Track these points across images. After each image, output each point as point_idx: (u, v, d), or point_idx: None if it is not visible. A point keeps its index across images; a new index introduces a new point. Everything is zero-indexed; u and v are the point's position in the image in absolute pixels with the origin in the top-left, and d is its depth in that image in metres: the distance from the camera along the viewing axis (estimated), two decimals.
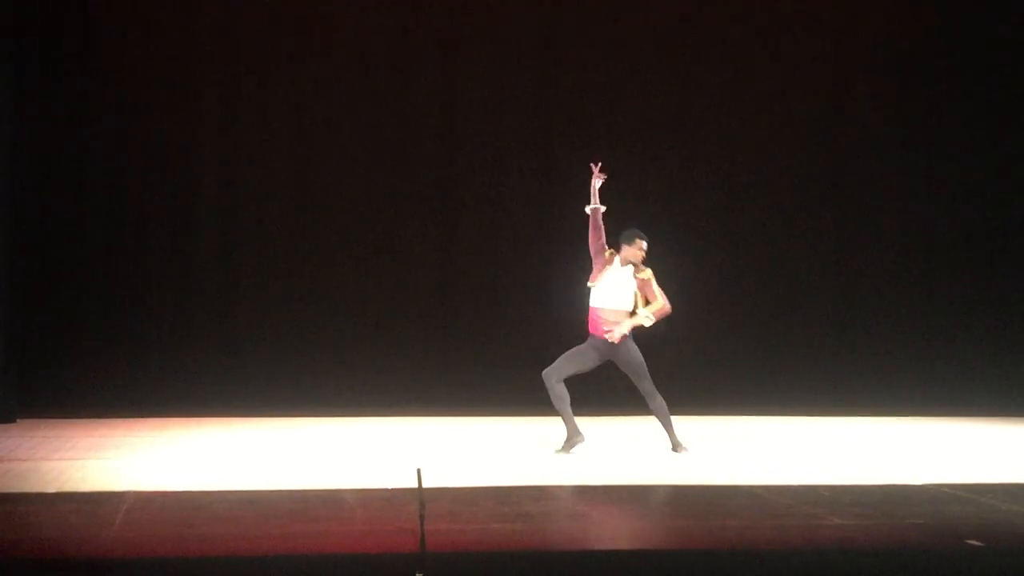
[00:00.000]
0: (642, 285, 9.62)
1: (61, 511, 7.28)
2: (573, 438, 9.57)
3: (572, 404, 9.57)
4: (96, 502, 7.55)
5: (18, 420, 11.23)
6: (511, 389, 12.33)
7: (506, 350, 12.79)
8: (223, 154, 12.63)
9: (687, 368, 12.83)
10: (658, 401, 9.68)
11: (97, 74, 12.32)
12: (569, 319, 12.84)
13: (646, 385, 9.66)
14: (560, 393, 9.57)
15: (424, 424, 11.61)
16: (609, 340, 9.52)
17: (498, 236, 12.99)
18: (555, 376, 9.60)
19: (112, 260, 12.40)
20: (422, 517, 5.97)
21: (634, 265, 9.62)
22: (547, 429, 11.28)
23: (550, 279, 12.76)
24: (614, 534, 6.79)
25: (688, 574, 6.26)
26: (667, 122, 13.20)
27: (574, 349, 9.69)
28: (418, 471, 6.13)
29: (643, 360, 9.64)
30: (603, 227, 9.57)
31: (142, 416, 11.69)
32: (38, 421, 11.30)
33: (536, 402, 12.14)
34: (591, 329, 9.66)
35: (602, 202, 9.51)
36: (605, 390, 11.27)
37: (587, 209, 9.55)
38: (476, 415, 12.02)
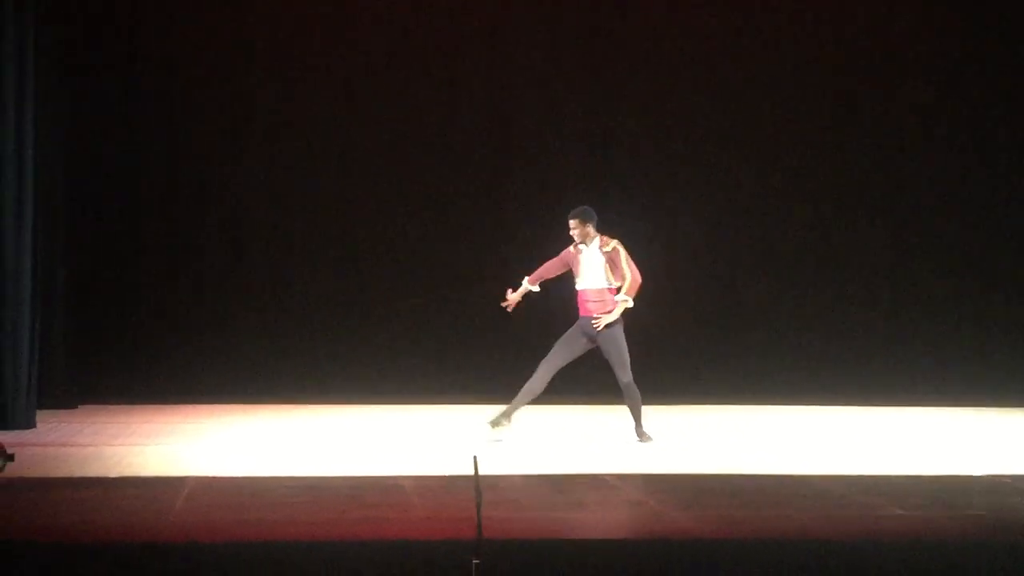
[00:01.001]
0: (608, 259, 9.58)
1: (122, 496, 7.36)
2: (502, 420, 9.57)
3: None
4: (156, 487, 7.64)
5: (80, 406, 11.37)
6: (567, 378, 12.34)
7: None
8: (272, 146, 12.70)
9: (734, 358, 12.79)
10: (632, 392, 9.63)
11: (148, 70, 12.44)
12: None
13: (622, 374, 9.60)
14: (537, 388, 9.57)
15: (480, 411, 11.62)
16: (595, 327, 9.51)
17: (546, 225, 12.97)
18: (547, 368, 9.61)
19: (170, 249, 12.52)
20: (479, 504, 5.98)
21: (600, 240, 9.58)
22: (602, 417, 11.29)
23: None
24: (670, 523, 6.77)
25: (745, 564, 6.24)
26: (709, 117, 13.15)
27: (566, 334, 9.71)
28: (475, 458, 6.12)
29: (625, 348, 9.58)
30: (542, 275, 9.74)
31: (200, 402, 11.80)
32: (99, 407, 11.44)
33: (592, 391, 12.21)
34: (580, 312, 9.69)
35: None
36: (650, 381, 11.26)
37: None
38: (532, 403, 12.00)
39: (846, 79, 13.30)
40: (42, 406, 10.43)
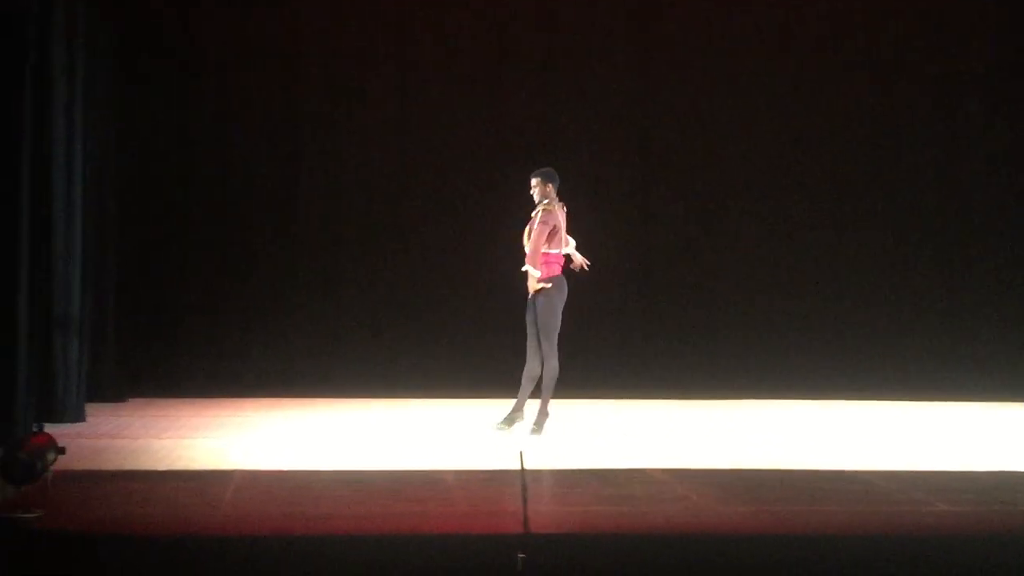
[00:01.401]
0: (530, 224, 9.46)
1: (171, 489, 7.42)
2: (515, 417, 9.49)
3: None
4: (205, 480, 7.69)
5: (128, 400, 11.46)
6: (606, 372, 12.41)
7: (604, 335, 12.79)
8: (325, 141, 12.75)
9: (780, 353, 12.74)
10: (535, 369, 9.39)
11: (200, 64, 12.52)
12: (660, 309, 12.91)
13: (533, 346, 9.36)
14: (536, 370, 9.41)
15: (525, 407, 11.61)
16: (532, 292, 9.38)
17: (596, 218, 12.98)
18: (532, 348, 9.41)
19: (218, 244, 12.61)
20: (525, 498, 5.98)
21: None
22: (646, 412, 11.26)
23: (650, 268, 12.84)
24: (717, 519, 6.74)
25: (792, 560, 6.20)
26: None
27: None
28: (520, 452, 6.13)
29: (551, 323, 9.34)
30: (535, 251, 9.38)
31: (247, 396, 11.87)
32: (147, 400, 11.53)
33: (635, 384, 12.21)
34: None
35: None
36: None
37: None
38: (577, 397, 11.99)
39: (843, 78, 13.17)
40: (91, 400, 10.53)
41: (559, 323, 9.43)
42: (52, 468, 6.89)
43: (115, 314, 11.37)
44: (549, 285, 9.36)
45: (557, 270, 9.50)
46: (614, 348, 12.81)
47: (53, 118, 9.68)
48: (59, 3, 9.66)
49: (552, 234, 9.42)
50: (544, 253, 9.42)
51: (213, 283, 12.56)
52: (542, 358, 9.39)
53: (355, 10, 12.82)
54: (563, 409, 11.36)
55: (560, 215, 9.49)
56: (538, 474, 7.37)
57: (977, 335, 13.14)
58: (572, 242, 9.59)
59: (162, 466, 8.20)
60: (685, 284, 13.08)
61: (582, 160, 12.90)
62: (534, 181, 9.56)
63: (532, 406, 9.52)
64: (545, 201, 9.47)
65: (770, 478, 8.01)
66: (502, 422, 9.53)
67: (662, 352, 12.84)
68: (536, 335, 9.42)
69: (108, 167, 11.14)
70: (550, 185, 9.51)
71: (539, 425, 9.46)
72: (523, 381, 9.49)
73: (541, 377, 9.43)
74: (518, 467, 6.08)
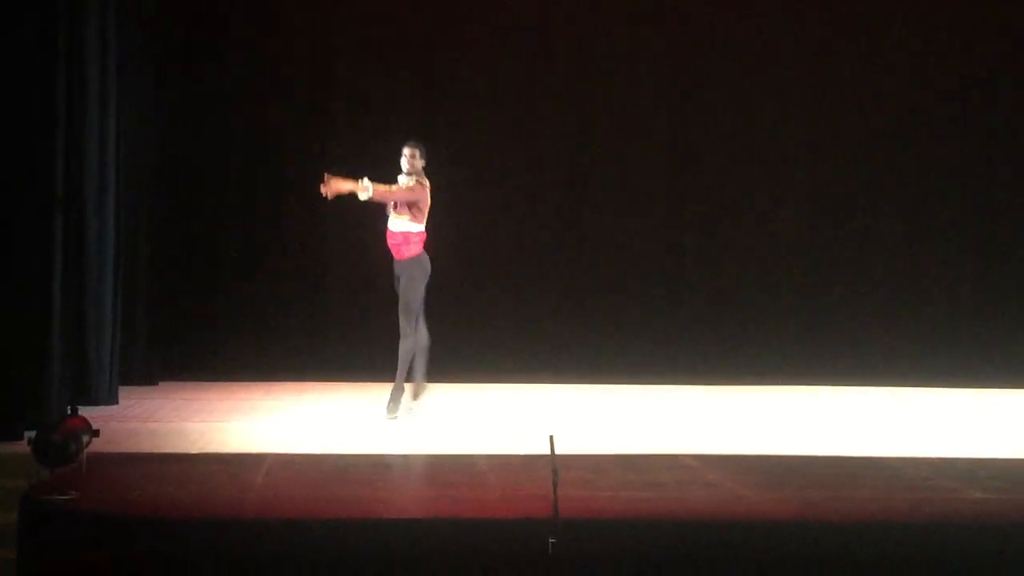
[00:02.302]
0: (406, 191, 9.28)
1: (204, 472, 7.48)
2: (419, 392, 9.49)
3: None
4: (237, 463, 7.75)
5: (160, 383, 11.54)
6: (635, 358, 12.42)
7: (633, 321, 12.79)
8: (352, 136, 12.76)
9: (808, 340, 12.72)
10: (407, 345, 9.32)
11: (235, 57, 12.56)
12: (688, 293, 12.90)
13: (402, 320, 9.30)
14: (421, 343, 9.38)
15: (556, 391, 11.65)
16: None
17: (625, 209, 12.98)
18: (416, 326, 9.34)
19: (249, 229, 12.63)
20: (555, 484, 6.00)
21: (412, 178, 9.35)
22: (675, 398, 11.27)
23: (678, 253, 12.86)
24: (747, 505, 6.75)
25: (824, 546, 6.21)
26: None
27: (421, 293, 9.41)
28: (551, 438, 6.15)
29: (413, 301, 9.27)
30: (388, 194, 9.33)
31: (278, 380, 11.93)
32: (179, 384, 11.60)
33: (664, 370, 12.21)
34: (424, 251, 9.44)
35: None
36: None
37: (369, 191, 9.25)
38: (607, 383, 12.02)
39: (842, 76, 13.09)
40: (123, 383, 10.60)
41: (421, 302, 9.36)
42: (86, 450, 6.95)
43: (146, 298, 11.44)
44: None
45: (420, 248, 9.40)
46: (643, 334, 12.78)
47: (87, 105, 9.76)
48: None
49: (418, 211, 9.31)
50: (405, 233, 9.31)
51: (244, 267, 12.59)
52: (411, 333, 9.29)
53: (390, 11, 12.81)
54: (593, 395, 11.40)
55: (427, 194, 9.36)
56: (568, 459, 7.39)
57: (1008, 322, 13.05)
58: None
59: (195, 449, 8.27)
60: (713, 269, 13.03)
61: (608, 154, 12.92)
62: (414, 152, 9.38)
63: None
64: (416, 175, 9.36)
65: (799, 464, 8.01)
66: (389, 409, 9.42)
67: (691, 338, 12.82)
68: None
69: (141, 155, 11.19)
70: (423, 160, 9.41)
71: (394, 403, 9.41)
72: (399, 357, 9.38)
73: (404, 353, 9.32)
74: (548, 452, 6.10)
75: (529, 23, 12.92)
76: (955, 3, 13.17)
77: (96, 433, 7.10)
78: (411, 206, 9.37)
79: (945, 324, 13.01)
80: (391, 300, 12.61)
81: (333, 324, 12.61)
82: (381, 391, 11.47)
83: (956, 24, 13.11)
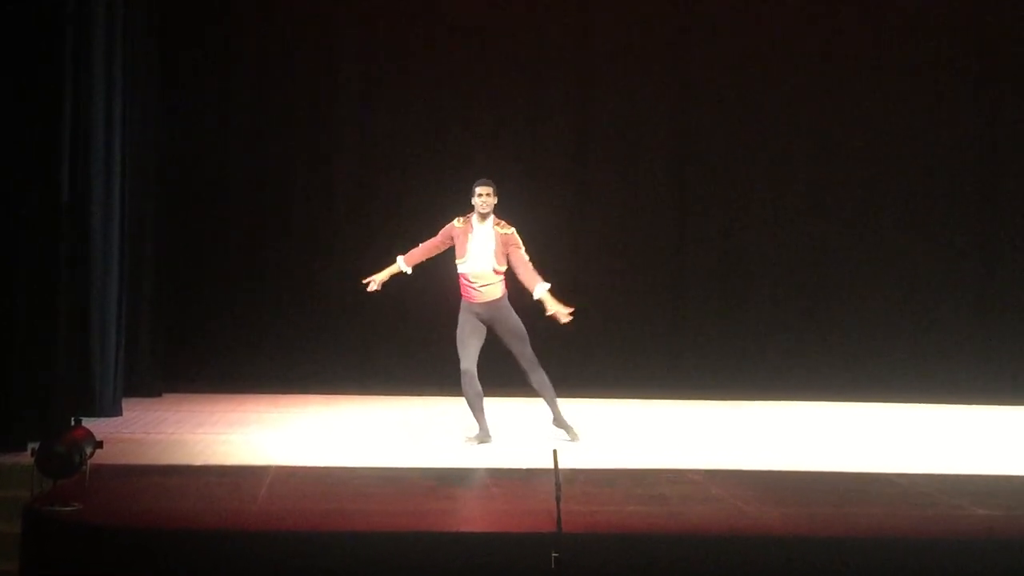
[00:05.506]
0: (504, 241, 9.03)
1: (207, 484, 7.48)
2: (484, 437, 9.20)
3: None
4: (240, 475, 7.74)
5: (164, 395, 11.53)
6: (639, 372, 12.40)
7: (637, 335, 12.77)
8: (360, 144, 12.77)
9: (814, 355, 12.69)
10: (540, 375, 9.20)
11: (242, 58, 12.58)
12: (693, 308, 12.88)
13: (528, 353, 9.15)
14: (477, 389, 9.09)
15: (559, 406, 11.60)
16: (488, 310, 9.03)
17: (629, 224, 12.98)
18: (470, 367, 9.03)
19: (253, 240, 12.61)
20: (558, 498, 5.99)
21: (495, 222, 9.11)
22: (679, 413, 11.25)
23: (682, 267, 12.87)
24: (751, 520, 6.73)
25: (829, 562, 6.19)
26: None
27: (457, 331, 9.16)
28: (554, 452, 6.13)
29: (524, 328, 9.15)
30: (420, 256, 9.31)
31: (282, 392, 11.92)
32: (183, 396, 11.59)
33: (668, 385, 12.19)
34: (463, 295, 9.19)
35: None
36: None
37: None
38: (611, 397, 12.00)
39: (841, 76, 13.08)
40: (127, 394, 10.60)
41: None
42: (90, 462, 6.95)
43: (151, 310, 11.44)
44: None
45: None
46: (647, 348, 12.77)
47: (92, 109, 9.77)
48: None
49: (509, 252, 9.12)
50: (501, 272, 9.14)
51: (248, 279, 12.58)
52: (530, 365, 9.20)
53: (390, 10, 12.83)
54: (597, 409, 11.38)
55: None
56: (572, 473, 7.38)
57: (1012, 339, 13.02)
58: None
59: (198, 461, 8.26)
60: (718, 284, 13.01)
61: (617, 162, 12.92)
62: (489, 189, 9.11)
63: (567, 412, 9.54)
64: (508, 225, 9.16)
65: (804, 479, 7.99)
66: (562, 431, 9.38)
67: (694, 353, 12.80)
68: (480, 341, 9.13)
69: (147, 165, 11.21)
70: (496, 198, 9.23)
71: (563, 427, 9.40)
72: (541, 393, 9.32)
73: (542, 385, 9.24)
74: (552, 466, 6.08)
75: (529, 24, 12.92)
76: (955, 3, 13.14)
77: (100, 444, 7.10)
78: (510, 250, 9.11)
79: (953, 341, 12.97)
80: (395, 314, 12.69)
81: (338, 337, 12.59)
82: (384, 404, 11.49)
83: (957, 24, 13.07)
